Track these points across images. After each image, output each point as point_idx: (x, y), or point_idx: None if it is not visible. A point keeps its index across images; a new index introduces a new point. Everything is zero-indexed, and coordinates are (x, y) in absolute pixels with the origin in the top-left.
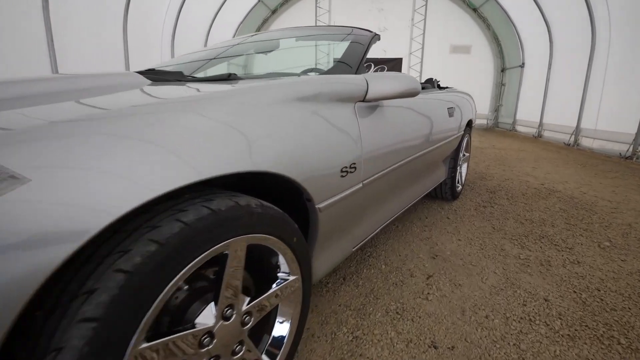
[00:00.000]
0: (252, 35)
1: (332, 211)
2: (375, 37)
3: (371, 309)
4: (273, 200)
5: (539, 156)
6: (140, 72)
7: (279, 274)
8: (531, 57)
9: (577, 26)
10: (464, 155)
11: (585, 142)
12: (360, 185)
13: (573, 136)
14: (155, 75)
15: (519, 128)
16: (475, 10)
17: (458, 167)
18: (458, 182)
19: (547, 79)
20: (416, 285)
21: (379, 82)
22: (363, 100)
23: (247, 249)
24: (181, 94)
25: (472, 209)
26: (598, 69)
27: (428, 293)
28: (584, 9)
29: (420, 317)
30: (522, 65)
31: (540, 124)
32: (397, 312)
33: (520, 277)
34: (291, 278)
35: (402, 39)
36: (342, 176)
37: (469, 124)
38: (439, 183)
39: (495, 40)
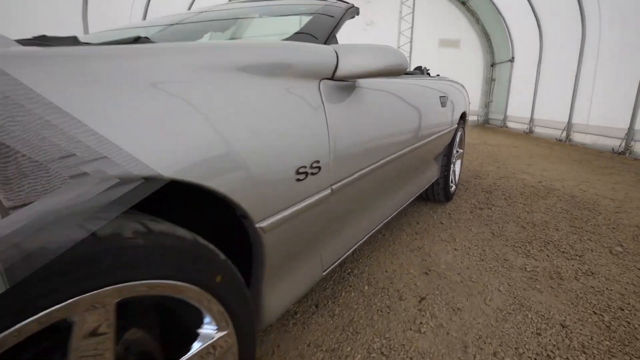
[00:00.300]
0: (215, 6)
1: (284, 230)
2: (352, 10)
3: (349, 348)
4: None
5: (532, 152)
6: (28, 39)
7: (200, 331)
8: (521, 51)
9: (567, 19)
10: (457, 151)
11: (577, 137)
12: (329, 191)
13: (565, 132)
14: (41, 42)
15: (510, 124)
16: (464, 3)
17: (451, 165)
18: (451, 182)
19: (538, 74)
20: (406, 311)
21: (353, 55)
22: (331, 78)
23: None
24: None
25: (467, 212)
26: (589, 62)
27: (421, 322)
28: (574, 1)
29: (411, 359)
30: (512, 60)
31: (531, 119)
32: (382, 353)
33: (530, 295)
34: (218, 335)
35: (390, 33)
36: (298, 180)
37: (463, 116)
38: (431, 183)
39: (485, 35)
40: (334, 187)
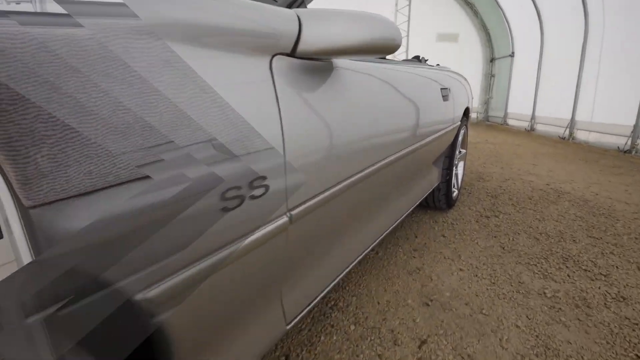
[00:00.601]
0: None
1: (200, 295)
2: None
3: None
4: None
5: (536, 151)
6: None
7: None
8: (521, 46)
9: (569, 12)
10: (460, 152)
11: (581, 135)
12: (285, 219)
13: (568, 129)
14: None
15: (511, 121)
16: None
17: (454, 168)
18: (454, 187)
19: (539, 69)
20: None
21: (324, 22)
22: (291, 54)
23: None
24: None
25: (472, 221)
26: (592, 57)
27: None
28: None
29: None
30: (512, 55)
31: (533, 117)
32: None
33: (554, 331)
34: None
35: None
36: (225, 210)
37: (466, 112)
38: (431, 190)
39: (484, 29)
40: (294, 212)
